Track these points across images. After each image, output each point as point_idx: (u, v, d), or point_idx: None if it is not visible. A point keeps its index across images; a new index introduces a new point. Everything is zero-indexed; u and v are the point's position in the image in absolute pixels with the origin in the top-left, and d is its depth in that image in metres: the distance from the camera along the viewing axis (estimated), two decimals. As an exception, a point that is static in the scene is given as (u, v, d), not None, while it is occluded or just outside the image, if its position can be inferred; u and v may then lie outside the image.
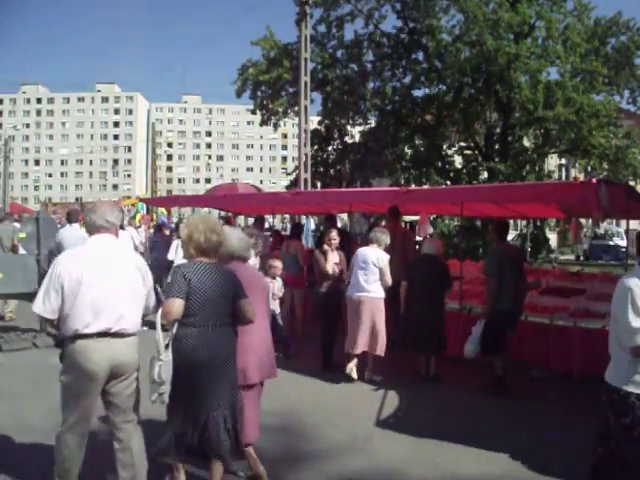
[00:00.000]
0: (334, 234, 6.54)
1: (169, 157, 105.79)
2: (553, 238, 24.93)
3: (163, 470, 3.51)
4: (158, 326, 3.10)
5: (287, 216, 20.92)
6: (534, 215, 11.67)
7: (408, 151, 22.28)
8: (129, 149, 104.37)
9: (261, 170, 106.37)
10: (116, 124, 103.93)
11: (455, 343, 6.26)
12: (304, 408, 5.12)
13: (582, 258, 24.83)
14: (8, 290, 7.12)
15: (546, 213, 10.71)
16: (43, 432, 3.32)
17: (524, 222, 16.27)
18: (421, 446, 4.31)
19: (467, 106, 19.75)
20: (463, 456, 4.12)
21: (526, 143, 21.18)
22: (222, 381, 3.20)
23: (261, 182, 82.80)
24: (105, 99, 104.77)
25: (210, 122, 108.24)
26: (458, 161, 22.06)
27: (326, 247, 6.46)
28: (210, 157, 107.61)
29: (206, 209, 19.63)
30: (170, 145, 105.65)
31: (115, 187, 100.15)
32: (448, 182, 20.59)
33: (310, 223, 16.12)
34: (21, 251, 8.39)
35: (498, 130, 20.55)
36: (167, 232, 10.94)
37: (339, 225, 12.41)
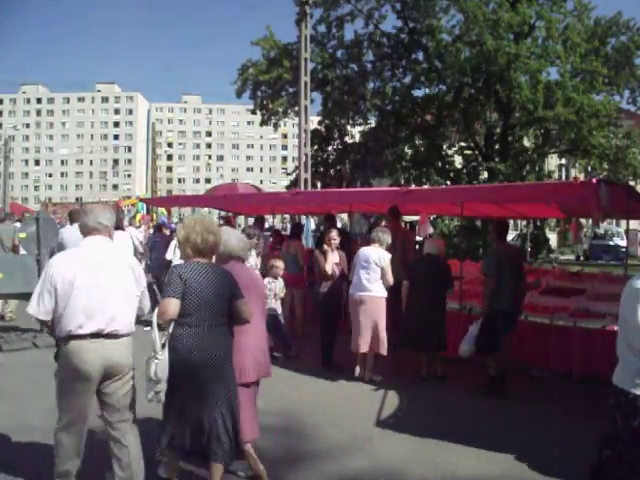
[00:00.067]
0: (334, 234, 6.55)
1: (169, 157, 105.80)
2: (553, 238, 24.94)
3: (159, 467, 3.52)
4: (154, 325, 3.13)
5: (287, 216, 20.92)
6: (534, 215, 11.68)
7: (408, 151, 22.29)
8: (129, 149, 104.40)
9: (261, 170, 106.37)
10: (116, 124, 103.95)
11: (455, 343, 6.24)
12: (304, 408, 5.11)
13: (582, 258, 24.84)
14: (8, 290, 7.11)
15: (546, 213, 10.71)
16: (43, 432, 3.33)
17: (524, 222, 16.28)
18: (421, 446, 4.31)
19: (467, 106, 19.76)
20: (463, 456, 4.12)
21: (526, 143, 21.19)
22: (218, 381, 3.22)
23: (261, 182, 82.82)
24: (105, 99, 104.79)
25: (210, 122, 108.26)
26: (458, 161, 22.07)
27: (326, 247, 6.47)
28: (210, 157, 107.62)
29: (206, 209, 19.65)
30: (170, 145, 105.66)
31: (115, 187, 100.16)
32: (448, 182, 20.59)
33: (310, 223, 16.13)
34: (22, 251, 8.40)
35: (498, 130, 20.55)
36: (167, 232, 10.94)
37: (339, 225, 12.41)
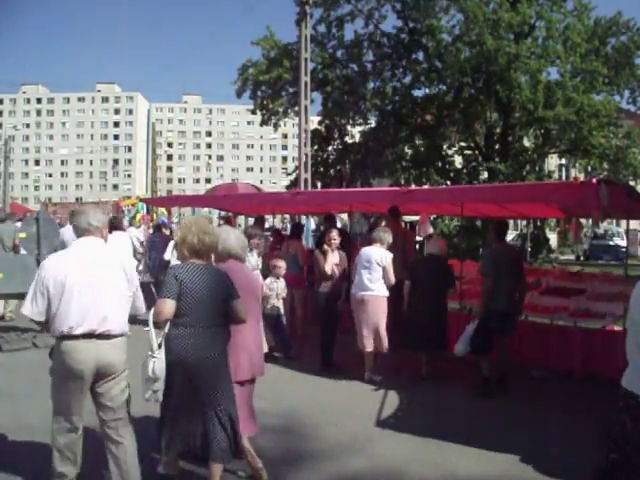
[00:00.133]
0: (334, 234, 6.55)
1: (169, 157, 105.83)
2: (553, 238, 24.94)
3: (155, 465, 3.53)
4: (151, 325, 3.17)
5: (287, 216, 20.92)
6: (534, 215, 11.67)
7: (408, 151, 22.28)
8: (129, 149, 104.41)
9: (261, 170, 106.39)
10: (116, 124, 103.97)
11: (455, 343, 6.25)
12: (304, 408, 5.11)
13: (582, 258, 24.84)
14: (8, 290, 7.12)
15: (546, 213, 10.71)
16: (43, 432, 3.33)
17: (524, 222, 16.27)
18: (421, 446, 4.31)
19: (467, 106, 19.75)
20: (463, 456, 4.12)
21: (526, 143, 21.18)
22: (214, 381, 3.24)
23: (261, 182, 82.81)
24: (105, 99, 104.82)
25: (210, 122, 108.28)
26: (458, 161, 22.07)
27: (326, 247, 6.47)
28: (210, 157, 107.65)
29: (206, 209, 19.64)
30: (170, 145, 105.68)
31: (115, 187, 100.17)
32: (448, 182, 20.59)
33: (310, 223, 16.13)
34: (22, 251, 8.40)
35: (498, 130, 20.54)
36: (167, 232, 10.94)
37: (339, 225, 12.41)
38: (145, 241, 10.86)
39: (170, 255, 8.22)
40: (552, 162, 27.67)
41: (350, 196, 9.26)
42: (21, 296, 7.26)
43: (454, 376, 6.03)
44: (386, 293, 6.04)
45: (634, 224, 20.65)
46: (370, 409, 5.08)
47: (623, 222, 20.26)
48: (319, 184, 21.20)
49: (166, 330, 3.16)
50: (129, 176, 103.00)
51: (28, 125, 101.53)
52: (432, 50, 19.45)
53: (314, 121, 20.79)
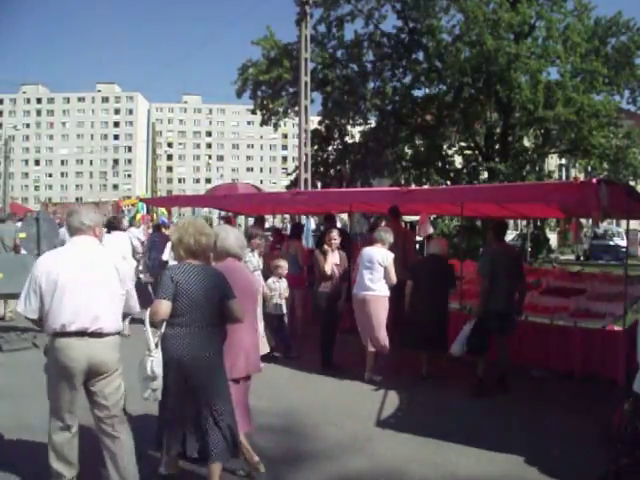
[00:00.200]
0: (335, 234, 6.55)
1: (169, 157, 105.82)
2: (553, 238, 24.94)
3: (154, 460, 3.53)
4: (147, 325, 3.20)
5: (287, 216, 20.92)
6: (534, 215, 11.67)
7: (408, 151, 22.28)
8: (129, 149, 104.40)
9: (261, 170, 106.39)
10: (116, 124, 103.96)
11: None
12: (304, 408, 5.11)
13: (582, 258, 24.84)
14: (8, 290, 7.11)
15: (546, 213, 10.71)
16: (43, 432, 3.34)
17: (524, 222, 16.27)
18: (421, 446, 4.31)
19: (467, 106, 19.75)
20: (463, 456, 4.12)
21: (526, 143, 21.18)
22: (210, 380, 3.26)
23: (261, 182, 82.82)
24: (105, 99, 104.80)
25: (210, 122, 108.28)
26: (458, 161, 22.07)
27: (326, 247, 6.47)
28: (210, 157, 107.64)
29: (206, 209, 19.63)
30: (170, 145, 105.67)
31: (115, 187, 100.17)
32: (448, 182, 20.59)
33: (310, 223, 16.12)
34: (23, 251, 8.40)
35: (498, 130, 20.54)
36: (166, 232, 10.92)
37: (339, 225, 12.41)
38: (145, 241, 10.87)
39: (168, 255, 8.23)
40: (552, 162, 27.67)
41: (350, 196, 9.25)
42: (21, 296, 7.30)
43: (454, 376, 6.02)
44: (387, 293, 6.05)
45: (634, 224, 20.65)
46: (370, 409, 5.08)
47: (623, 222, 20.27)
48: (319, 184, 21.19)
49: (162, 330, 3.20)
50: (129, 176, 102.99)
51: (28, 125, 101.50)
52: (432, 50, 19.44)
53: (314, 121, 20.78)
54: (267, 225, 14.80)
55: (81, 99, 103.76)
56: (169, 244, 8.45)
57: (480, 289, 5.91)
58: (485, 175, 19.97)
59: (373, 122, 22.65)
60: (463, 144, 21.70)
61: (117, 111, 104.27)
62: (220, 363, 3.36)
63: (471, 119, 20.12)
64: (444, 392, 5.63)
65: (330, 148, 23.05)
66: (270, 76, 20.63)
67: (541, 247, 19.76)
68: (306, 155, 15.17)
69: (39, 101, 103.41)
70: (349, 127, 23.01)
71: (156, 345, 3.16)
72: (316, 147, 21.49)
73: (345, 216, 15.89)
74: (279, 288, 6.79)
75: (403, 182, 21.49)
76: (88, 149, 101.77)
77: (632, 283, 6.63)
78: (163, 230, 10.93)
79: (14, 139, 79.16)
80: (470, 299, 7.19)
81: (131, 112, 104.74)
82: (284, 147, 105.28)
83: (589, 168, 20.70)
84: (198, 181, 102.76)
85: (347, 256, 6.76)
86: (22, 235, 8.33)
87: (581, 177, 7.71)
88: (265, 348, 6.20)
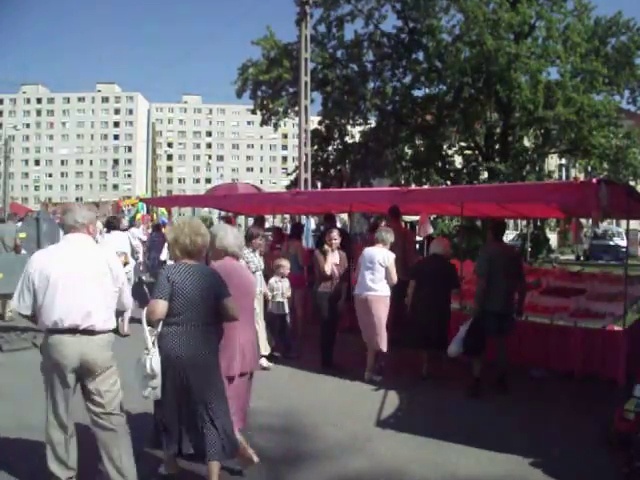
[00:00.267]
0: (335, 234, 6.55)
1: (169, 157, 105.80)
2: (553, 238, 24.95)
3: (154, 460, 3.53)
4: (144, 324, 3.23)
5: (287, 216, 20.93)
6: (534, 215, 11.68)
7: (408, 151, 22.28)
8: (129, 149, 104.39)
9: (261, 170, 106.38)
10: (116, 124, 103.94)
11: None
12: (304, 408, 5.11)
13: (582, 258, 24.83)
14: (8, 290, 7.08)
15: (546, 213, 10.71)
16: (43, 432, 3.34)
17: (524, 222, 16.27)
18: (421, 446, 4.31)
19: (467, 106, 19.75)
20: (463, 456, 4.12)
21: (526, 143, 21.18)
22: (205, 378, 3.29)
23: (261, 182, 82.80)
24: (105, 99, 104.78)
25: (210, 122, 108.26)
26: (458, 161, 22.07)
27: (327, 247, 6.47)
28: (210, 157, 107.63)
29: (206, 209, 19.63)
30: (170, 145, 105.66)
31: (115, 187, 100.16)
32: (448, 182, 20.60)
33: (310, 223, 16.13)
34: (23, 251, 8.40)
35: (498, 130, 20.54)
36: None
37: (339, 225, 12.42)
38: (146, 241, 10.90)
39: (166, 255, 8.23)
40: (552, 162, 27.68)
41: (350, 196, 9.25)
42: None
43: (454, 376, 6.01)
44: (389, 293, 6.06)
45: (634, 224, 20.65)
46: (370, 409, 5.08)
47: (623, 222, 20.27)
48: (319, 184, 21.19)
49: (159, 329, 3.23)
50: (129, 176, 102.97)
51: (28, 125, 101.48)
52: (432, 50, 19.44)
53: (314, 121, 20.78)
54: (267, 225, 14.80)
55: (81, 99, 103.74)
56: (167, 244, 8.46)
57: (476, 289, 5.89)
58: (485, 175, 19.97)
59: (373, 122, 22.65)
60: (463, 144, 21.71)
61: (117, 111, 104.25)
62: (215, 362, 3.39)
63: (471, 119, 20.12)
64: (444, 392, 5.63)
65: (330, 148, 23.06)
66: (270, 76, 20.63)
67: (541, 247, 19.76)
68: (306, 155, 15.17)
69: (39, 101, 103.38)
70: (349, 127, 23.01)
71: (154, 344, 3.19)
72: (316, 147, 21.49)
73: (345, 216, 15.91)
74: (281, 288, 6.80)
75: (403, 182, 21.50)
76: (88, 149, 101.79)
77: (632, 283, 6.63)
78: (163, 230, 10.95)
79: (14, 139, 79.18)
80: (470, 299, 7.16)
81: (131, 112, 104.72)
82: (284, 147, 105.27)
83: (589, 168, 20.71)
84: (198, 181, 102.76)
85: (347, 256, 6.76)
86: (22, 235, 8.34)
87: (581, 177, 7.71)
88: (266, 348, 6.22)
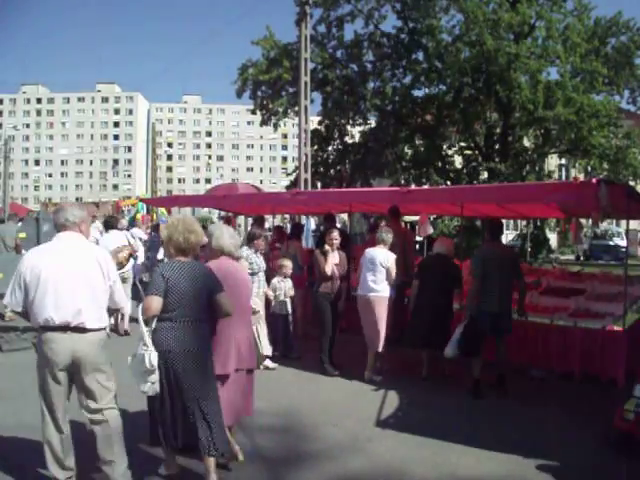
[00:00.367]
0: (335, 234, 6.54)
1: (169, 157, 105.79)
2: (553, 238, 24.94)
3: (154, 461, 3.54)
4: (141, 320, 3.27)
5: (287, 216, 20.92)
6: (534, 215, 11.67)
7: (408, 151, 22.28)
8: (129, 149, 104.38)
9: (261, 170, 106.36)
10: (116, 124, 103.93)
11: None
12: (304, 408, 5.11)
13: (582, 258, 24.84)
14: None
15: (546, 213, 10.70)
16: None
17: (524, 222, 16.27)
18: (421, 446, 4.31)
19: (467, 106, 19.75)
20: (463, 456, 4.12)
21: (526, 143, 21.18)
22: (197, 374, 3.32)
23: (261, 182, 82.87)
24: (105, 99, 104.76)
25: (210, 122, 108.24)
26: (458, 161, 22.07)
27: (327, 247, 6.47)
28: (210, 157, 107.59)
29: (206, 209, 19.63)
30: (170, 145, 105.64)
31: (115, 187, 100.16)
32: (448, 182, 20.59)
33: (310, 223, 16.13)
34: (23, 251, 8.41)
35: (498, 130, 20.55)
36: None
37: (338, 225, 12.42)
38: (147, 241, 10.91)
39: (163, 254, 8.24)
40: (552, 162, 27.66)
41: (350, 196, 9.25)
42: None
43: (454, 376, 6.02)
44: (390, 293, 6.06)
45: (634, 224, 20.66)
46: (370, 409, 5.08)
47: (623, 222, 20.24)
48: (319, 184, 21.20)
49: (153, 325, 3.27)
50: (129, 176, 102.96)
51: (28, 125, 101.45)
52: (432, 50, 19.44)
53: (314, 121, 20.78)
54: (267, 225, 14.80)
55: (81, 99, 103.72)
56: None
57: (470, 290, 5.84)
58: (485, 175, 19.97)
59: (373, 122, 22.65)
60: (463, 144, 21.71)
61: (117, 111, 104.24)
62: (208, 358, 3.42)
63: (471, 119, 20.12)
64: (444, 392, 5.63)
65: (330, 148, 23.05)
66: (270, 76, 20.64)
67: (541, 247, 19.76)
68: (306, 155, 15.17)
69: (39, 101, 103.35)
70: (349, 127, 23.01)
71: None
72: (316, 147, 21.50)
73: (345, 216, 15.90)
74: (284, 287, 6.81)
75: (403, 182, 21.49)
76: (88, 149, 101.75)
77: (632, 283, 6.63)
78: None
79: (14, 139, 79.06)
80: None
81: (131, 112, 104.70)
82: (284, 147, 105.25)
83: (589, 168, 20.70)
84: (198, 181, 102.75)
85: (347, 256, 6.76)
86: (22, 235, 8.35)
87: (581, 177, 7.67)
88: (267, 350, 6.22)
